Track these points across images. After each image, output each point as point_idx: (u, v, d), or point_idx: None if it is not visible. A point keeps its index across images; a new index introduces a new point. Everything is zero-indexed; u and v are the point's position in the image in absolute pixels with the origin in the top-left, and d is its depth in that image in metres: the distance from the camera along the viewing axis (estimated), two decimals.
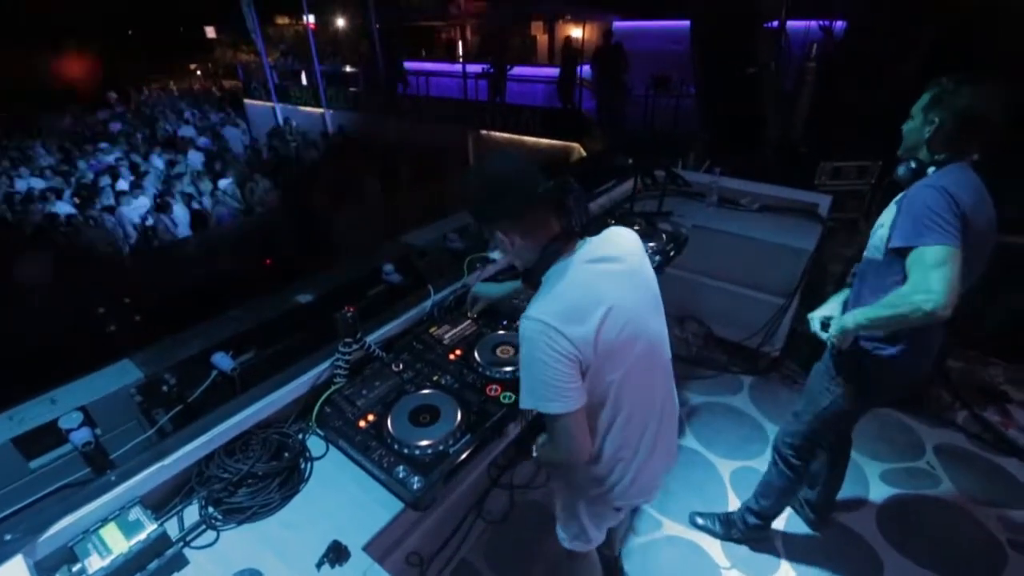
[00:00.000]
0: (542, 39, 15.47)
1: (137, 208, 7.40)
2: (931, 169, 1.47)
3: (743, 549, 2.21)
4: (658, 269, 2.22)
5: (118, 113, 15.19)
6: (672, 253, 2.34)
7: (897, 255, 1.42)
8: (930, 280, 1.30)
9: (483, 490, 2.31)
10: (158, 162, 9.73)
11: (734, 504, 2.39)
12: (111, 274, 6.07)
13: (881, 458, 2.62)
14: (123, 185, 8.26)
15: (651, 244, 2.32)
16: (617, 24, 14.48)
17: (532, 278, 1.12)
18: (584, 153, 9.12)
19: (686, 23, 5.58)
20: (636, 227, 2.47)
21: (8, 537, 0.96)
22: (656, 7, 13.00)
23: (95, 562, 0.97)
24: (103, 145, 10.50)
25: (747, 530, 2.18)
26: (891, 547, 2.20)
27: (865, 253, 1.63)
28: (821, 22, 6.81)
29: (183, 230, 7.24)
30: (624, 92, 8.58)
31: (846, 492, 2.29)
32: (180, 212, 7.37)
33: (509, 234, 1.10)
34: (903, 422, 2.83)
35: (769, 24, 5.47)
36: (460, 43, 14.43)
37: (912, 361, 1.58)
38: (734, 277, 3.14)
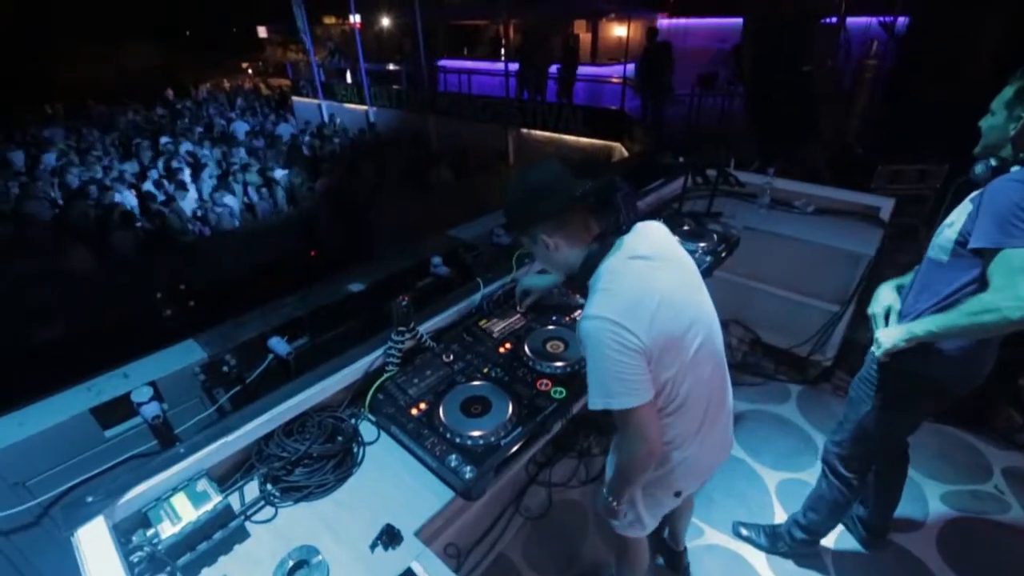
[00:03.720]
0: (585, 38, 15.34)
1: (191, 199, 7.78)
2: (1015, 168, 1.35)
3: (789, 563, 2.12)
4: (708, 271, 2.18)
5: (176, 109, 15.97)
6: (724, 255, 2.27)
7: (975, 257, 1.32)
8: (1016, 284, 1.20)
9: (522, 486, 2.31)
10: (212, 154, 10.17)
11: (780, 516, 2.30)
12: (168, 260, 6.39)
13: (942, 478, 2.47)
14: (182, 176, 8.68)
15: (702, 244, 2.26)
16: (662, 22, 14.24)
17: (579, 281, 1.15)
18: (625, 153, 9.00)
19: (734, 20, 5.42)
20: (685, 227, 2.41)
21: (90, 499, 1.02)
22: (704, 4, 12.69)
23: (167, 528, 1.02)
24: (164, 140, 11.03)
25: (794, 544, 2.09)
26: (953, 573, 2.07)
27: (927, 253, 1.53)
28: (882, 18, 6.49)
29: (234, 221, 7.56)
30: (669, 92, 8.42)
31: (903, 512, 2.17)
32: (232, 202, 7.71)
33: (552, 237, 1.12)
34: (967, 442, 2.66)
35: (828, 20, 5.25)
36: (503, 42, 14.47)
37: (961, 372, 1.48)
38: (785, 282, 3.02)
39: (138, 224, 7.06)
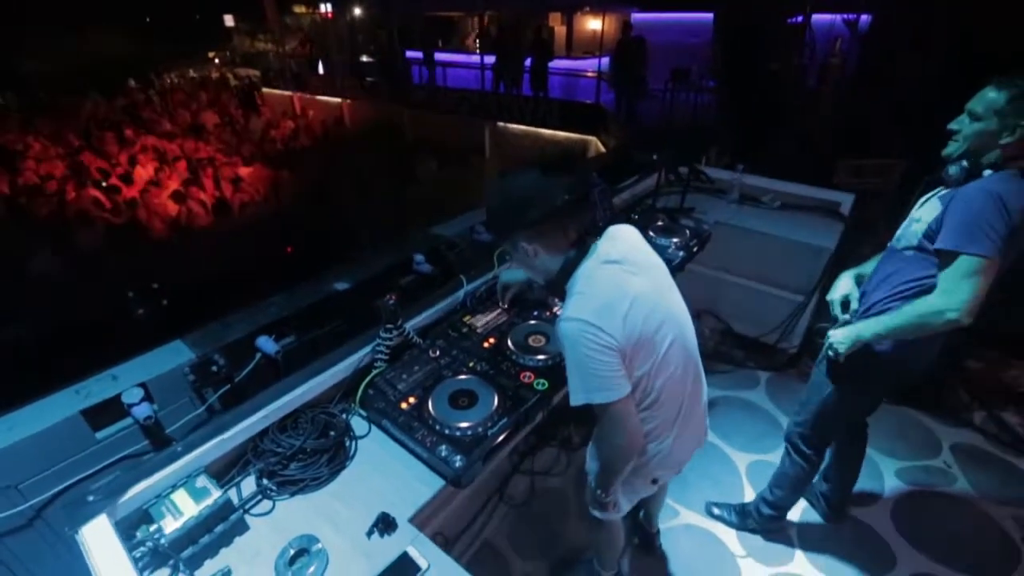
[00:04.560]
0: (560, 30, 15.38)
1: (161, 196, 7.58)
2: (987, 172, 1.39)
3: (758, 539, 2.26)
4: (680, 265, 2.28)
5: (139, 100, 15.38)
6: (695, 249, 2.38)
7: (937, 256, 1.41)
8: (959, 290, 1.32)
9: (505, 475, 2.39)
10: (179, 148, 9.88)
11: (749, 495, 2.44)
12: (139, 259, 6.24)
13: (897, 455, 2.65)
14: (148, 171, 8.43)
15: (674, 240, 2.36)
16: (636, 16, 14.38)
17: (558, 287, 1.21)
18: (601, 147, 9.12)
19: (706, 15, 5.54)
20: (659, 223, 2.51)
21: (91, 499, 1.06)
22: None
23: (170, 523, 1.06)
24: (128, 132, 10.68)
25: (762, 520, 2.23)
26: (905, 542, 2.24)
27: (893, 244, 1.62)
28: (846, 16, 6.73)
29: (206, 216, 7.40)
30: (644, 86, 8.55)
31: (861, 487, 2.32)
32: (203, 198, 7.54)
33: (532, 244, 1.17)
34: (920, 421, 2.86)
35: (793, 20, 5.43)
36: (477, 34, 14.41)
37: (907, 356, 1.59)
38: (754, 274, 3.17)
39: (104, 220, 6.86)
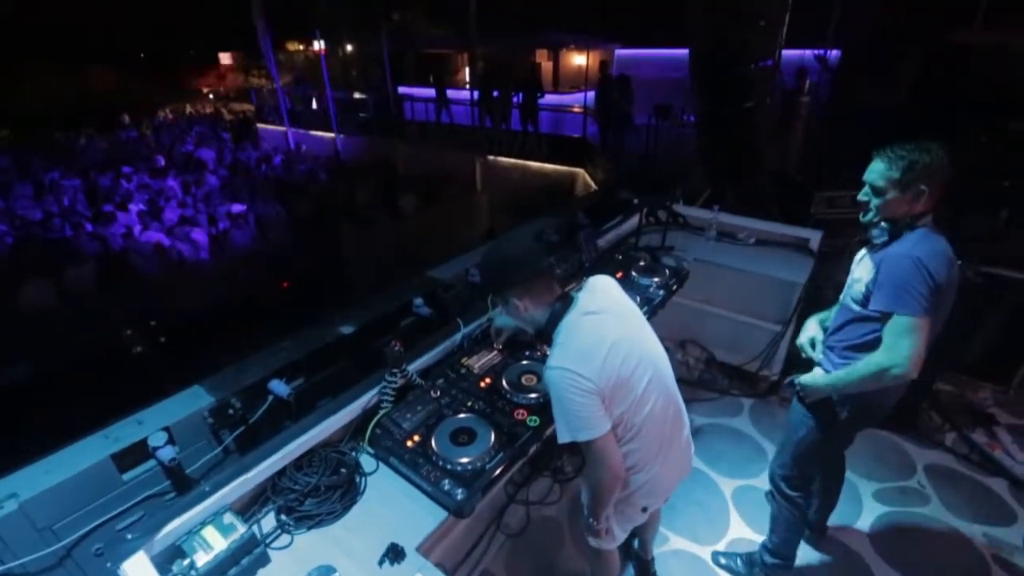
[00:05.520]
0: (547, 66, 15.98)
1: (154, 232, 7.69)
2: (907, 232, 1.55)
3: None
4: (662, 303, 2.45)
5: (132, 137, 15.63)
6: (675, 287, 2.56)
7: (878, 315, 1.57)
8: (901, 347, 1.49)
9: (501, 506, 2.49)
10: (175, 184, 10.05)
11: (736, 520, 2.56)
12: (134, 297, 6.30)
13: (874, 477, 2.79)
14: (141, 207, 8.56)
15: (655, 280, 2.53)
16: (620, 52, 14.99)
17: (546, 335, 1.39)
18: (588, 178, 9.44)
19: (684, 51, 5.83)
20: (641, 263, 2.69)
21: (129, 536, 1.17)
22: (656, 36, 13.48)
23: (202, 557, 1.18)
24: (126, 169, 10.83)
25: (767, 569, 2.24)
26: (883, 561, 2.36)
27: (842, 299, 1.79)
28: (816, 51, 7.13)
29: (202, 253, 7.51)
30: (628, 122, 8.93)
31: (842, 509, 2.45)
32: (199, 236, 7.66)
33: (521, 300, 1.36)
34: (895, 443, 3.01)
35: (764, 63, 5.78)
36: (467, 70, 14.93)
37: (876, 399, 1.72)
38: (734, 305, 3.35)
39: (98, 258, 6.94)
